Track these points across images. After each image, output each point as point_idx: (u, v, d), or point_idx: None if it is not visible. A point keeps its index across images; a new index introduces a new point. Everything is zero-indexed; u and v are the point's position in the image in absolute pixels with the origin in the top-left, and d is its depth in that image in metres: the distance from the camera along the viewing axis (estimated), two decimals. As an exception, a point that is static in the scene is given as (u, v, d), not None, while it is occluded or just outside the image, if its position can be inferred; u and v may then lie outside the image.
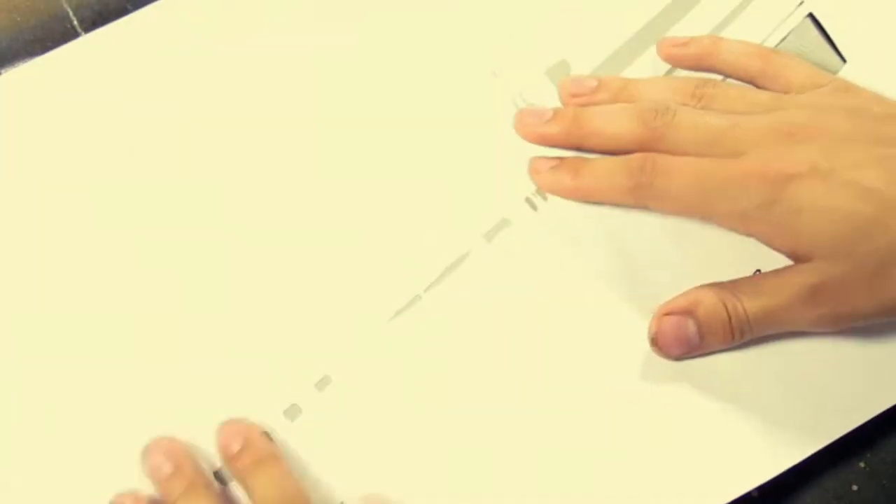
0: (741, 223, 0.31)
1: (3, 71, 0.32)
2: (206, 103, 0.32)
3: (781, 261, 0.31)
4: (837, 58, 0.34)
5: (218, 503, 0.27)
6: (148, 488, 0.28)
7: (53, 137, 0.31)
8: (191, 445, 0.29)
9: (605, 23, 0.34)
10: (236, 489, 0.29)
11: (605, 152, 0.32)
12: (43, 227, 0.30)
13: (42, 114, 0.31)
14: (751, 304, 0.29)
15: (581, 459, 0.30)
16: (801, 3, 0.35)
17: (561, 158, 0.32)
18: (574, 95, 0.33)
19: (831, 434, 0.31)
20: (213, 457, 0.29)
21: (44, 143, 0.31)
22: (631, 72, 0.34)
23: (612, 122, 0.31)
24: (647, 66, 0.34)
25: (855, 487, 0.33)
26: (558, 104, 0.33)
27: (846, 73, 0.34)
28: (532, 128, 0.32)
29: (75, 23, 0.34)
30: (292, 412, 0.30)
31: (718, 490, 0.30)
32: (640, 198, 0.31)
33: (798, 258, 0.30)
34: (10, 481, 0.28)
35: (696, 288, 0.30)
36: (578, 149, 0.32)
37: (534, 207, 0.32)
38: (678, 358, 0.30)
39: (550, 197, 0.32)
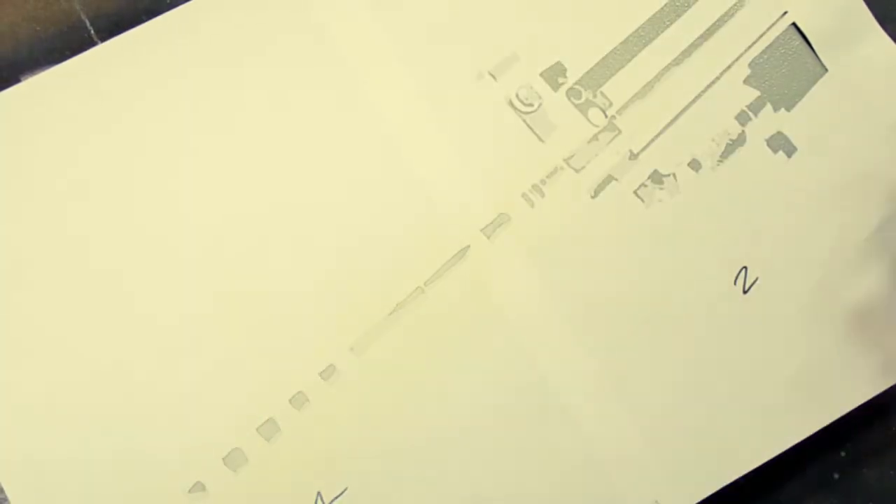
0: None
1: (23, 78, 0.33)
2: (215, 107, 0.33)
3: (770, 260, 0.33)
4: (819, 66, 0.35)
5: None
6: (158, 480, 0.29)
7: (71, 141, 0.32)
8: (198, 435, 0.30)
9: (597, 26, 0.35)
10: (242, 479, 0.30)
11: None
12: (54, 228, 0.31)
13: (60, 118, 0.32)
14: None
15: (576, 449, 0.31)
16: (784, 13, 0.36)
17: None
18: None
19: (814, 425, 0.32)
20: (216, 447, 0.30)
21: (61, 146, 0.32)
22: (623, 75, 0.35)
23: None
24: (638, 70, 0.35)
25: (836, 476, 0.33)
26: (552, 104, 0.34)
27: (827, 81, 0.35)
28: None
29: (92, 32, 0.34)
30: (298, 401, 0.30)
31: (707, 479, 0.31)
32: None
33: None
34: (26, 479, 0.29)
35: None
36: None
37: (531, 204, 0.33)
38: None
39: (547, 193, 0.33)
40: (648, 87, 0.35)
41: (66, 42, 0.34)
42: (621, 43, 0.35)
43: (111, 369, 0.30)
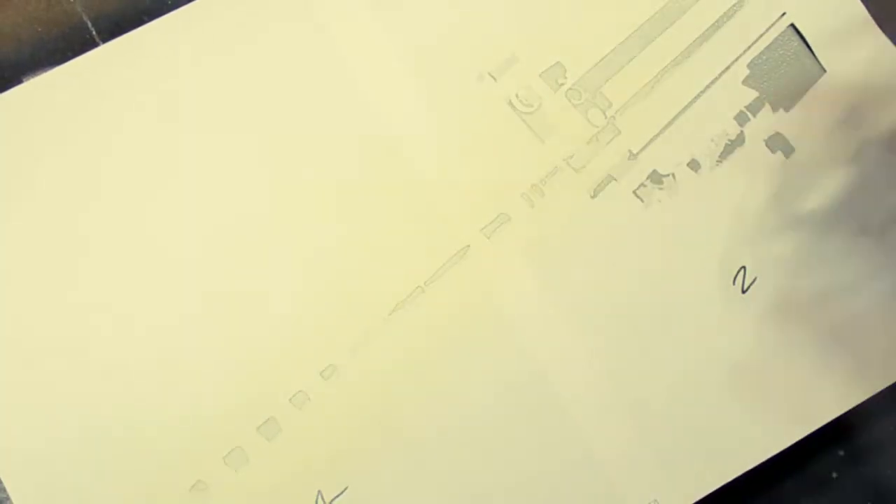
0: None
1: (25, 79, 0.33)
2: (216, 107, 0.33)
3: (769, 260, 0.33)
4: (818, 67, 0.35)
5: None
6: (159, 478, 0.29)
7: (72, 141, 0.32)
8: (199, 434, 0.30)
9: (597, 27, 0.35)
10: (247, 474, 0.30)
11: None
12: (55, 229, 0.31)
13: (62, 119, 0.32)
14: None
15: (575, 448, 0.31)
16: (783, 14, 0.36)
17: None
18: None
19: (812, 424, 0.32)
20: (217, 446, 0.30)
21: (63, 146, 0.32)
22: (622, 76, 0.35)
23: None
24: (638, 71, 0.35)
25: (834, 475, 0.33)
26: (551, 105, 0.34)
27: (826, 81, 0.35)
28: None
29: (94, 33, 0.34)
30: (299, 400, 0.31)
31: (706, 478, 0.31)
32: None
33: None
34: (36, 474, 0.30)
35: None
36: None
37: (531, 204, 0.33)
38: None
39: (547, 193, 0.33)
40: (648, 87, 0.35)
41: (68, 43, 0.34)
42: (621, 43, 0.35)
43: (111, 368, 0.30)
